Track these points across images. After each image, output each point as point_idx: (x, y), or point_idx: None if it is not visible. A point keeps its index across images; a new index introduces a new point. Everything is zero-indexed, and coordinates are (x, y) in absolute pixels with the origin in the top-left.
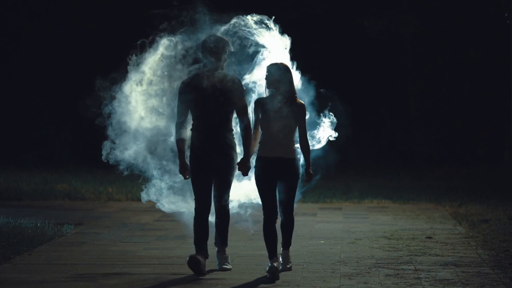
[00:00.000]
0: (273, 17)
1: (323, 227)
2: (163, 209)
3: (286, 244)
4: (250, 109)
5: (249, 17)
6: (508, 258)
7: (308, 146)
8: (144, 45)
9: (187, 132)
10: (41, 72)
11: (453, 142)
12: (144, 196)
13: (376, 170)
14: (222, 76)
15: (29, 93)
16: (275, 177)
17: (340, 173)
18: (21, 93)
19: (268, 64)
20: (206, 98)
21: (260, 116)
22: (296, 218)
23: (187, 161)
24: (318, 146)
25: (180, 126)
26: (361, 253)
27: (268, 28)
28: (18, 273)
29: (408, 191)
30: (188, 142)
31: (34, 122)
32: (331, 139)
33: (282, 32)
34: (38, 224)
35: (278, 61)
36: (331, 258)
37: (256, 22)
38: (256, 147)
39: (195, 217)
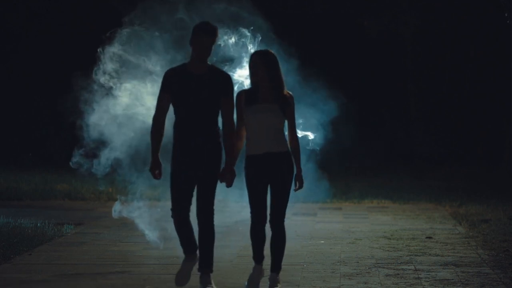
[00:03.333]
0: (251, 27)
1: (323, 227)
2: (140, 226)
3: (276, 266)
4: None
5: (226, 37)
6: (508, 258)
7: (298, 144)
8: (113, 36)
9: (164, 128)
10: (41, 72)
11: (453, 142)
12: (116, 210)
13: (376, 170)
14: (211, 69)
15: (29, 93)
16: (265, 176)
17: (340, 173)
18: (21, 93)
19: (252, 52)
20: (192, 90)
21: (244, 111)
22: (296, 218)
23: (164, 161)
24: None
25: (158, 119)
26: (361, 253)
27: (245, 48)
28: (18, 273)
29: (408, 191)
30: (167, 140)
31: (34, 122)
32: (311, 137)
33: (264, 42)
34: (38, 224)
35: (263, 49)
36: (331, 258)
37: (234, 42)
38: (242, 145)
39: (174, 221)
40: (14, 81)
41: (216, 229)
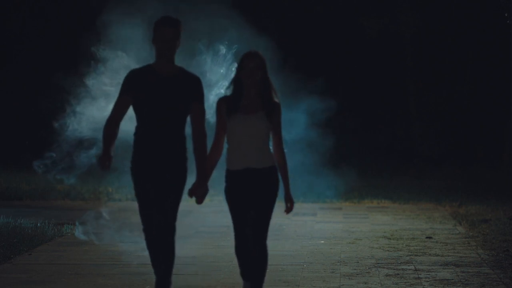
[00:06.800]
0: (227, 42)
1: (323, 227)
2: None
3: (256, 285)
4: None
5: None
6: (508, 258)
7: (285, 159)
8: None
9: (118, 131)
10: (42, 72)
11: (453, 142)
12: (79, 232)
13: (376, 170)
14: (181, 71)
15: (30, 93)
16: (247, 194)
17: (340, 173)
18: (21, 93)
19: (242, 55)
20: (160, 93)
21: (226, 119)
22: (296, 218)
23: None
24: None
25: (112, 122)
26: (361, 253)
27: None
28: (18, 273)
29: (408, 191)
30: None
31: (33, 122)
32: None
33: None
34: (38, 224)
35: (253, 50)
36: (331, 258)
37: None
38: (219, 158)
39: (146, 239)
40: (14, 81)
41: (216, 229)
